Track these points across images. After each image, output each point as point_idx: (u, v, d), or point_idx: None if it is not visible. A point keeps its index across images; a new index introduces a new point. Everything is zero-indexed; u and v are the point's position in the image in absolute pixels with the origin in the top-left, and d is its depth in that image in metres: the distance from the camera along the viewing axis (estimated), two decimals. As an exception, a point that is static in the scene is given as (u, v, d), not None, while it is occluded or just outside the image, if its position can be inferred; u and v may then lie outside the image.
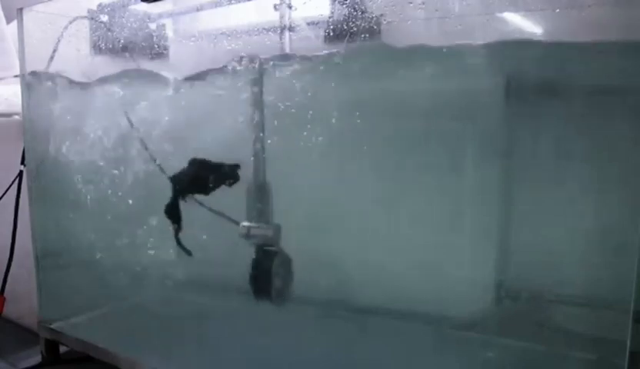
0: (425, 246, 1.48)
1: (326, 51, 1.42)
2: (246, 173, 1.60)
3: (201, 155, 1.66)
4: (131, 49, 1.74)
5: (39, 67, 1.89)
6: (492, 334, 1.47)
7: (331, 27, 1.37)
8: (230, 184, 1.61)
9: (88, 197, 1.91)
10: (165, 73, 1.72)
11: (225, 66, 1.57)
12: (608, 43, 1.20)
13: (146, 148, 1.76)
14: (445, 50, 1.34)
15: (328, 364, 1.53)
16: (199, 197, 1.68)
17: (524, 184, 1.40)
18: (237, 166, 1.60)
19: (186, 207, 1.72)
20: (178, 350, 1.69)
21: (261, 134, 1.57)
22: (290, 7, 1.48)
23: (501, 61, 1.33)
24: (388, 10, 1.34)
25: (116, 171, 1.85)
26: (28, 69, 1.91)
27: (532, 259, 1.40)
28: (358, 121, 1.50)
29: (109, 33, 1.76)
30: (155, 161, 1.76)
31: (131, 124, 1.77)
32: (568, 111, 1.30)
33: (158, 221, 1.82)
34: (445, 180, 1.46)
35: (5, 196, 2.00)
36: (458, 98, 1.37)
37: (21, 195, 1.95)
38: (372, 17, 1.34)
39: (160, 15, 1.77)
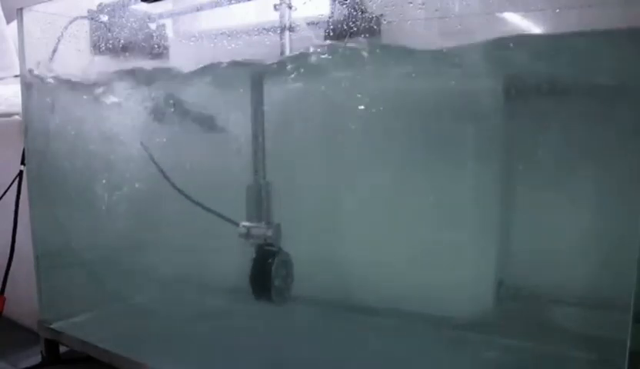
0: (425, 246, 1.48)
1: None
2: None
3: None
4: (131, 49, 1.74)
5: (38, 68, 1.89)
6: (492, 333, 1.47)
7: (331, 27, 1.37)
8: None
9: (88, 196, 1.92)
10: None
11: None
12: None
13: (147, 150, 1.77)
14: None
15: (326, 364, 1.53)
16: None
17: (525, 183, 1.40)
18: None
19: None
20: (178, 351, 1.69)
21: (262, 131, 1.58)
22: (290, 7, 1.48)
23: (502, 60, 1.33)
24: (388, 10, 1.35)
25: (115, 171, 1.85)
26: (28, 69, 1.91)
27: (533, 259, 1.40)
28: (358, 121, 1.51)
29: (109, 33, 1.76)
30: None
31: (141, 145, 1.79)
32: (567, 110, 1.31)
33: (159, 220, 1.82)
34: (447, 179, 1.46)
35: (4, 196, 2.00)
36: (462, 98, 1.38)
37: (21, 195, 1.95)
38: (372, 17, 1.34)
39: (160, 15, 1.77)
